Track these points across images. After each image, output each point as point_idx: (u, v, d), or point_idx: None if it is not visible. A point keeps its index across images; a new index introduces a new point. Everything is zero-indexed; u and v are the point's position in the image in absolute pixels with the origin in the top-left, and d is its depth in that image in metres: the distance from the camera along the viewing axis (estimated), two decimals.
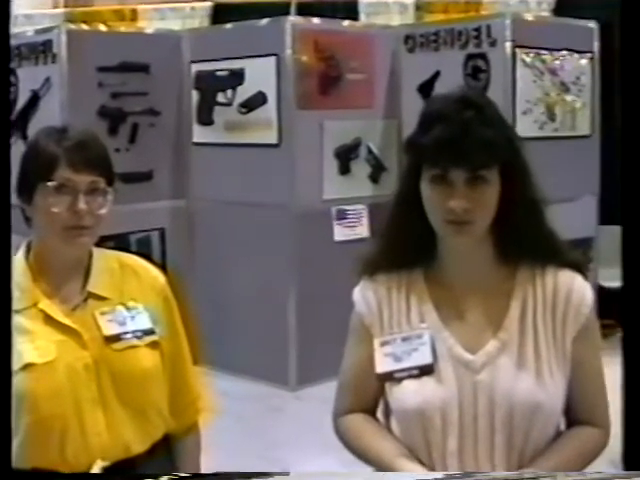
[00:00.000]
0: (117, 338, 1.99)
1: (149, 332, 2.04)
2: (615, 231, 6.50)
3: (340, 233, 5.83)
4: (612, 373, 5.73)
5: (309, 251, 5.67)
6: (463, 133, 1.77)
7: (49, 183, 1.93)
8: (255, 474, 1.85)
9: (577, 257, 1.99)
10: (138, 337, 2.02)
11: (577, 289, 1.90)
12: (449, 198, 1.79)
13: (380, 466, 1.91)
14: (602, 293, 6.74)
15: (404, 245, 1.94)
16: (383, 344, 1.92)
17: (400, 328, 1.92)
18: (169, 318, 2.12)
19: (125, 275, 2.10)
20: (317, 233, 5.71)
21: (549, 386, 1.83)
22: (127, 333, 2.01)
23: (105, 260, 2.09)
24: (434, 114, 1.83)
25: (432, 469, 1.85)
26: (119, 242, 5.47)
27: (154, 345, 2.04)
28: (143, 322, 2.04)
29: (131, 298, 2.06)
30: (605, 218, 6.58)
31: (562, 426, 1.94)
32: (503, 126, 1.87)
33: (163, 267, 6.46)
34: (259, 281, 5.87)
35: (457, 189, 1.79)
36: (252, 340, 5.95)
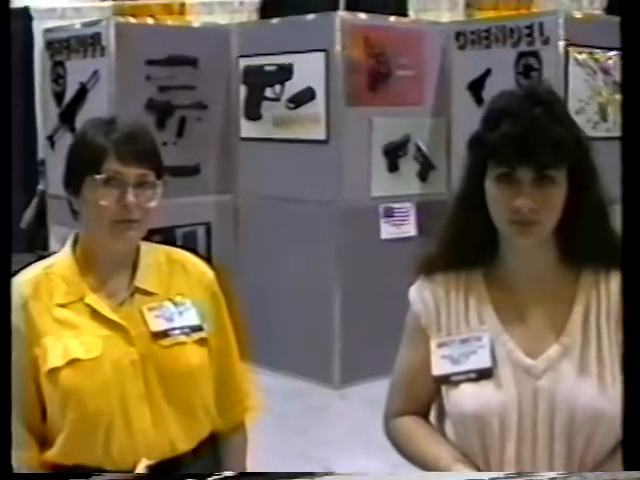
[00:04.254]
0: (164, 334, 1.96)
1: (197, 328, 2.00)
2: None
3: (387, 231, 5.78)
4: None
5: (355, 249, 5.62)
6: (532, 130, 1.71)
7: (97, 176, 1.89)
8: (300, 474, 1.81)
9: None
10: (186, 333, 1.98)
11: None
12: (515, 197, 1.72)
13: (436, 471, 1.85)
14: None
15: (464, 244, 1.88)
16: (440, 345, 1.87)
17: (458, 330, 1.87)
18: (217, 314, 2.08)
19: (173, 270, 2.06)
20: (364, 231, 5.66)
21: (611, 393, 1.76)
22: (174, 329, 1.97)
23: (153, 255, 2.06)
24: (501, 110, 1.77)
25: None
26: (165, 236, 5.47)
27: (202, 342, 2.00)
28: (191, 318, 2.00)
29: (179, 294, 2.03)
30: None
31: None
32: (572, 125, 1.80)
33: (208, 261, 6.52)
34: (304, 278, 5.83)
35: (523, 188, 1.72)
36: (297, 337, 5.92)
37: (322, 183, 5.67)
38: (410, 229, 5.81)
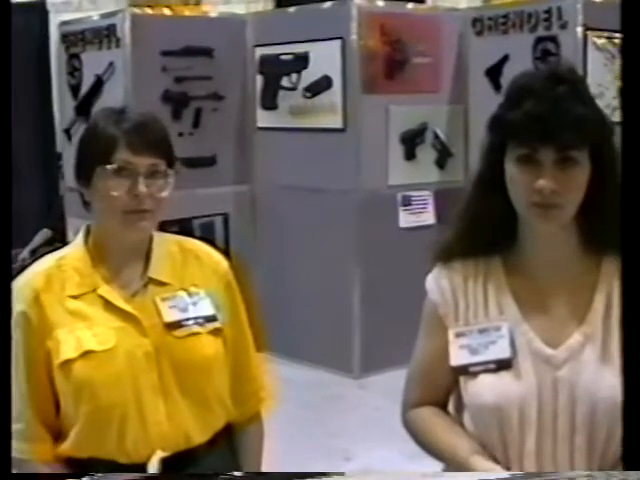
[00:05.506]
0: (178, 325, 1.94)
1: (211, 319, 1.98)
2: None
3: (405, 219, 5.74)
4: None
5: (374, 237, 5.59)
6: (554, 110, 1.66)
7: (108, 166, 1.87)
8: (311, 474, 1.78)
9: None
10: (200, 324, 1.96)
11: None
12: (536, 179, 1.68)
13: (453, 463, 1.82)
14: None
15: (482, 230, 1.83)
16: (458, 335, 1.83)
17: (477, 319, 1.83)
18: (232, 304, 2.06)
19: (187, 260, 2.04)
20: (382, 219, 5.62)
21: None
22: (188, 320, 1.95)
23: (166, 245, 2.04)
24: (523, 89, 1.72)
25: (508, 468, 1.75)
26: (183, 227, 5.47)
27: (216, 332, 1.98)
28: (205, 308, 1.98)
29: (193, 284, 2.01)
30: None
31: None
32: (594, 105, 1.75)
33: (226, 252, 6.50)
34: (323, 267, 5.81)
35: (545, 170, 1.68)
36: (316, 327, 5.90)
37: (339, 172, 5.63)
38: (428, 217, 5.76)
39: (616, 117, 5.25)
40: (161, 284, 1.97)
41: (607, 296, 1.78)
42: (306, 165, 5.81)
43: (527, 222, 1.77)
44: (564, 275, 1.80)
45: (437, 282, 1.88)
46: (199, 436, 1.96)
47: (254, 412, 2.15)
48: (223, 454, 2.04)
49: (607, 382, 1.71)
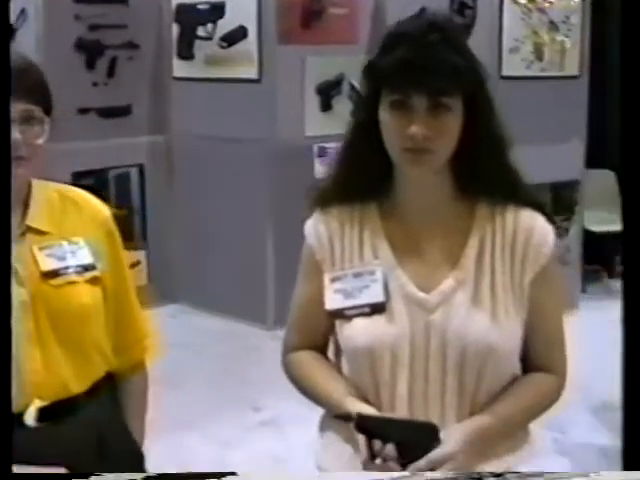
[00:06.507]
0: (55, 274, 1.91)
1: (90, 267, 1.96)
2: (602, 175, 6.47)
3: (321, 170, 5.72)
4: (597, 317, 5.66)
5: (289, 188, 5.57)
6: (427, 56, 1.69)
7: None
8: (207, 475, 1.78)
9: (539, 197, 1.91)
10: (78, 273, 1.94)
11: (538, 230, 1.83)
12: (409, 125, 1.70)
13: (328, 406, 1.86)
14: (588, 237, 6.71)
15: (359, 176, 1.86)
16: (334, 280, 1.86)
17: (352, 264, 1.86)
18: (112, 253, 2.04)
19: (66, 208, 2.01)
20: (298, 170, 5.60)
21: (504, 328, 1.77)
22: (66, 268, 1.93)
23: (45, 193, 2.00)
24: (397, 36, 1.75)
25: (380, 410, 1.79)
26: (97, 178, 5.41)
27: (95, 281, 1.97)
28: (84, 257, 1.96)
29: (72, 232, 1.98)
30: (592, 161, 6.50)
31: (519, 373, 1.89)
32: (469, 55, 1.78)
33: (142, 203, 6.43)
34: (238, 218, 5.80)
35: (418, 115, 1.70)
36: (230, 278, 5.90)
37: (255, 122, 5.61)
38: None
39: (533, 71, 5.27)
40: (40, 233, 1.95)
41: (480, 241, 1.81)
42: (222, 115, 5.77)
43: (401, 168, 1.80)
44: (438, 220, 1.83)
45: (314, 227, 1.91)
46: (77, 385, 1.94)
47: (137, 361, 2.14)
48: (104, 403, 2.02)
49: (477, 325, 1.76)
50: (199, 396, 4.81)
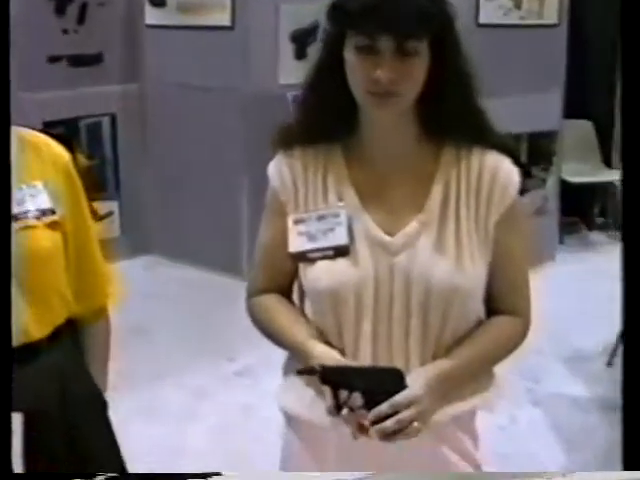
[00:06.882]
0: (14, 218, 1.86)
1: (49, 212, 1.91)
2: (579, 125, 6.44)
3: None
4: (574, 268, 5.70)
5: (264, 137, 5.52)
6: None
7: None
8: (191, 475, 1.75)
9: (507, 140, 1.87)
10: (37, 217, 1.89)
11: (504, 172, 1.80)
12: (374, 68, 1.67)
13: (291, 349, 1.85)
14: (566, 188, 6.69)
15: (323, 117, 1.82)
16: (297, 222, 1.83)
17: (316, 206, 1.83)
18: (72, 197, 1.99)
19: (25, 152, 1.96)
20: (272, 118, 5.51)
21: (468, 270, 1.75)
22: (26, 213, 1.88)
23: None
24: None
25: (343, 352, 1.78)
26: (68, 127, 5.35)
27: (54, 225, 1.92)
28: (43, 201, 1.91)
29: (31, 176, 1.93)
30: (571, 111, 6.47)
31: (483, 317, 1.87)
32: None
33: (114, 154, 6.37)
34: (212, 167, 5.76)
35: (384, 59, 1.67)
36: (205, 229, 5.88)
37: (228, 70, 5.55)
38: None
39: (511, 19, 5.19)
40: None
41: (445, 185, 1.79)
42: (195, 63, 5.71)
43: (366, 111, 1.77)
44: (403, 164, 1.80)
45: (277, 169, 1.88)
46: (38, 330, 1.91)
47: (98, 307, 2.11)
48: (66, 350, 1.99)
49: (441, 268, 1.74)
50: (173, 347, 4.80)
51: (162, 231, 6.11)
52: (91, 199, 2.09)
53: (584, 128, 7.13)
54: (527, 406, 4.34)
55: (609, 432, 4.09)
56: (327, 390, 1.69)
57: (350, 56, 1.71)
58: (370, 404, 1.67)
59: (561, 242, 6.80)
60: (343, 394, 1.68)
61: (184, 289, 5.64)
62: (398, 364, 1.74)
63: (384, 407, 1.66)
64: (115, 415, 2.10)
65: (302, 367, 1.73)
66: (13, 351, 1.64)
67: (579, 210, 7.27)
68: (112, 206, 6.00)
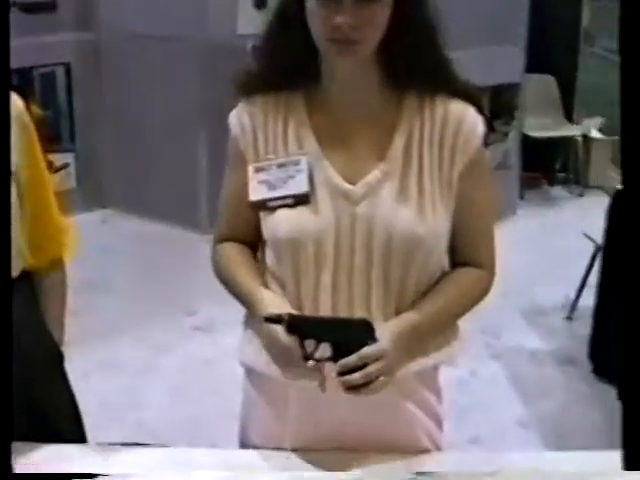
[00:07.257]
0: None
1: None
2: (542, 79, 6.40)
3: None
4: (535, 223, 5.72)
5: (222, 87, 5.44)
6: None
7: None
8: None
9: (471, 88, 1.83)
10: None
11: (468, 120, 1.76)
12: (336, 14, 1.62)
13: (244, 299, 1.80)
14: (527, 143, 6.66)
15: (283, 65, 1.78)
16: (257, 170, 1.79)
17: (276, 154, 1.79)
18: (26, 147, 1.93)
19: None
20: (231, 69, 5.45)
21: (430, 220, 1.71)
22: None
23: None
24: None
25: (300, 305, 1.75)
26: (22, 77, 5.23)
27: None
28: None
29: None
30: (533, 66, 6.44)
31: (447, 269, 1.84)
32: None
33: (69, 104, 6.24)
34: (169, 119, 5.69)
35: (344, 6, 1.62)
36: (163, 182, 5.82)
37: (186, 19, 5.46)
38: None
39: None
40: None
41: (408, 133, 1.75)
42: (151, 11, 5.61)
43: (327, 58, 1.73)
44: (365, 112, 1.76)
45: (238, 117, 1.84)
46: None
47: (54, 257, 2.06)
48: (21, 302, 1.93)
49: (403, 217, 1.71)
50: (132, 301, 4.75)
51: (119, 183, 6.03)
52: (46, 151, 2.04)
53: (547, 83, 7.10)
54: (486, 360, 4.35)
55: (566, 384, 4.13)
56: (294, 340, 1.66)
57: (311, 3, 1.67)
58: (338, 356, 1.64)
59: (521, 197, 6.80)
60: (310, 344, 1.65)
61: (142, 243, 5.58)
62: (359, 316, 1.71)
63: (352, 358, 1.63)
64: (73, 371, 2.06)
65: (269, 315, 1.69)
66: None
67: (540, 165, 7.26)
68: (68, 158, 5.90)
